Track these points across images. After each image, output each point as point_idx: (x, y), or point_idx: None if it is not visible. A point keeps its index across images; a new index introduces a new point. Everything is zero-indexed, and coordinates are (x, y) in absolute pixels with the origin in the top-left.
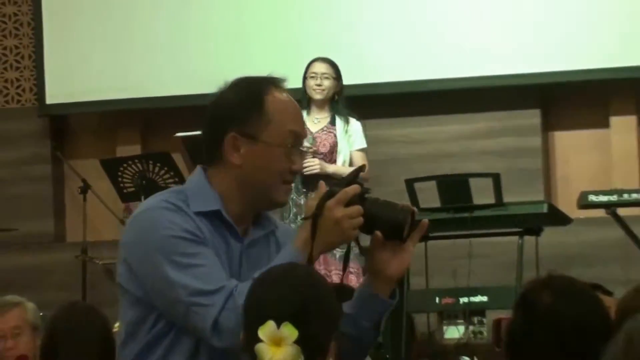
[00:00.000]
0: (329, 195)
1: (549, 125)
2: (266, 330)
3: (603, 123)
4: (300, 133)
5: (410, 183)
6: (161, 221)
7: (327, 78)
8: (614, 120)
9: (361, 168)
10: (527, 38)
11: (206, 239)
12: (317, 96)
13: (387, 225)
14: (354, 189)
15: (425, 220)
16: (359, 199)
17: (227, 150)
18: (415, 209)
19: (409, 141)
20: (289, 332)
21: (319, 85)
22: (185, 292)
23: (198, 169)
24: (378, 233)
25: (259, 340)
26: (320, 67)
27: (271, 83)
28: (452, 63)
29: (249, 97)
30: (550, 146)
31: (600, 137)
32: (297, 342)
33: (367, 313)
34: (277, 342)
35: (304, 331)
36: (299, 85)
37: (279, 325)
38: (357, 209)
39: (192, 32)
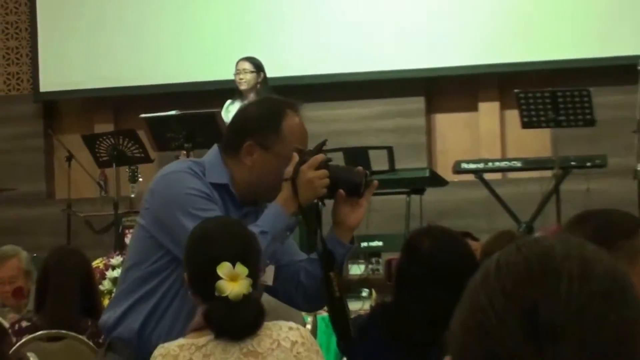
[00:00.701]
0: (302, 161)
1: (431, 109)
2: (224, 269)
3: (473, 107)
4: (303, 150)
5: (326, 154)
6: (184, 182)
7: (246, 72)
8: (482, 105)
9: (324, 142)
10: (413, 39)
11: (216, 202)
12: (241, 87)
13: (347, 185)
14: (320, 157)
15: (376, 182)
16: (325, 165)
17: (243, 152)
18: (367, 172)
19: (322, 121)
20: (242, 270)
21: (241, 78)
22: None
23: (215, 147)
24: (341, 191)
25: (208, 278)
26: (241, 65)
27: (289, 107)
28: (358, 59)
29: (270, 116)
30: (432, 126)
31: (471, 119)
32: (247, 276)
33: (334, 254)
34: (234, 278)
35: (250, 268)
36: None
37: (233, 263)
38: (324, 172)
39: (154, 32)
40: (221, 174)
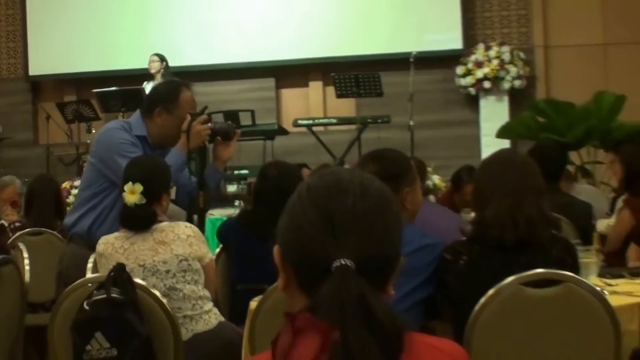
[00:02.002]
0: (193, 120)
1: (278, 86)
2: (127, 186)
3: (305, 85)
4: (192, 113)
5: (209, 115)
6: (118, 134)
7: (154, 62)
8: (311, 83)
9: (205, 107)
10: (268, 37)
11: (138, 147)
12: (152, 71)
13: (221, 133)
14: (204, 117)
15: (239, 131)
16: (207, 121)
17: (155, 115)
18: (235, 125)
19: (207, 94)
20: (138, 188)
21: (152, 67)
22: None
23: (138, 112)
24: (218, 138)
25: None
26: (151, 57)
27: (184, 85)
28: (230, 51)
29: (172, 91)
30: (279, 96)
31: (304, 92)
32: (142, 192)
33: (213, 179)
34: (133, 192)
35: (146, 187)
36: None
37: (132, 184)
38: (207, 126)
39: (100, 33)
40: (142, 129)
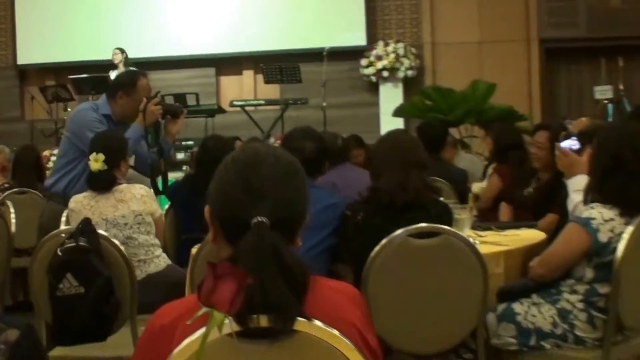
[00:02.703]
0: (148, 102)
1: (218, 73)
2: (92, 155)
3: (240, 73)
4: (148, 96)
5: (162, 97)
6: (88, 114)
7: (117, 54)
8: (244, 72)
9: (158, 92)
10: (212, 32)
11: (104, 124)
12: (115, 62)
13: (171, 112)
14: (157, 99)
15: (186, 110)
16: (159, 103)
17: (117, 98)
18: (182, 105)
19: (160, 80)
20: (100, 157)
21: (115, 58)
22: None
23: (104, 95)
24: (168, 116)
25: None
26: (114, 51)
27: (141, 74)
28: (179, 44)
29: (131, 78)
30: (219, 83)
31: (238, 79)
32: (104, 161)
33: (165, 149)
34: (97, 160)
35: (107, 156)
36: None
37: (97, 153)
38: (159, 106)
39: (72, 28)
40: (107, 109)
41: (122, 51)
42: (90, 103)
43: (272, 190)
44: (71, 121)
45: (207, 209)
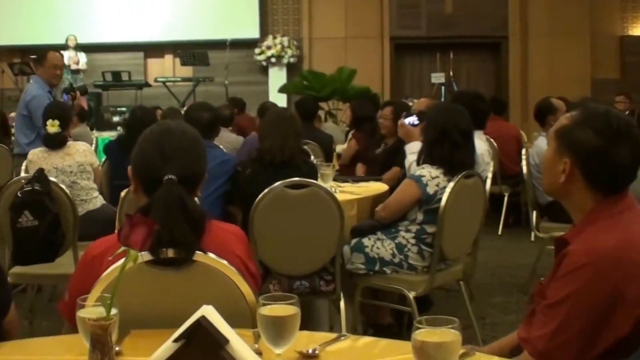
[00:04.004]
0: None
1: (146, 57)
2: (49, 122)
3: (162, 56)
4: (57, 65)
5: (103, 74)
6: (34, 89)
7: (71, 40)
8: (166, 56)
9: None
10: (137, 25)
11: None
12: (69, 45)
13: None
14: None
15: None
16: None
17: (38, 68)
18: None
19: (104, 59)
20: (55, 122)
21: (69, 42)
22: None
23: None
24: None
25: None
26: (68, 37)
27: (52, 49)
28: (121, 33)
29: (43, 54)
30: (146, 64)
31: (161, 62)
32: (58, 125)
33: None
34: (52, 125)
35: (60, 122)
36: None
37: (52, 120)
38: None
39: (43, 11)
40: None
41: (75, 38)
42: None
43: (179, 155)
44: (26, 94)
45: (130, 168)
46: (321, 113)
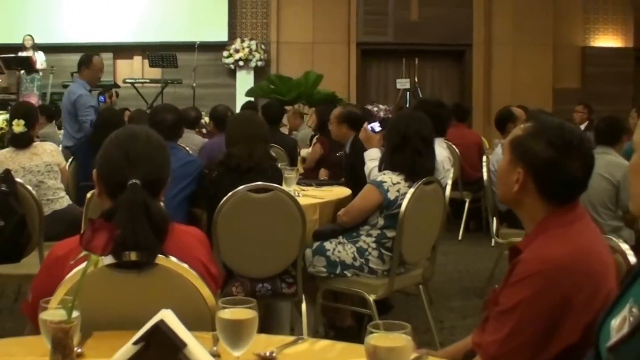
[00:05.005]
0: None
1: (115, 57)
2: (14, 122)
3: (131, 57)
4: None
5: (72, 73)
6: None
7: (27, 40)
8: (134, 57)
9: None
10: (107, 26)
11: None
12: (26, 46)
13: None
14: None
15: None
16: None
17: (83, 70)
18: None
19: (71, 60)
20: (20, 122)
21: (26, 43)
22: None
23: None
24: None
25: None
26: (25, 37)
27: (96, 54)
28: (89, 33)
29: (88, 57)
30: (115, 65)
31: (130, 63)
32: (24, 125)
33: None
34: (18, 125)
35: (26, 122)
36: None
37: (18, 120)
38: None
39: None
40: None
41: (32, 37)
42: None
43: (144, 160)
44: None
45: (94, 172)
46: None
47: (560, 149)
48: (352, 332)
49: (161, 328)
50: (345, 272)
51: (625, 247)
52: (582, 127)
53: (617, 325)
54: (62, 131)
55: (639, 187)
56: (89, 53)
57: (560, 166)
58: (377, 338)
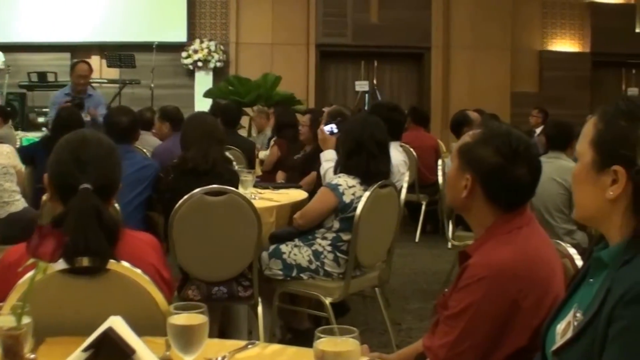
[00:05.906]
0: None
1: (72, 57)
2: None
3: (89, 57)
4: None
5: (29, 73)
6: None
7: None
8: (92, 57)
9: None
10: (65, 25)
11: None
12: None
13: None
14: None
15: None
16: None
17: (70, 75)
18: None
19: (28, 60)
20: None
21: None
22: None
23: None
24: None
25: None
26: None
27: (82, 61)
28: (47, 33)
29: (74, 64)
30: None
31: (94, 64)
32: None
33: None
34: None
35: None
36: None
37: None
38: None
39: None
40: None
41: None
42: None
43: (95, 164)
44: None
45: (45, 176)
46: (246, 119)
47: (507, 155)
48: (310, 334)
49: (110, 335)
50: (301, 274)
51: (572, 251)
52: (537, 130)
53: (562, 330)
54: (19, 132)
55: (582, 196)
56: (78, 59)
57: (507, 172)
58: (326, 343)
